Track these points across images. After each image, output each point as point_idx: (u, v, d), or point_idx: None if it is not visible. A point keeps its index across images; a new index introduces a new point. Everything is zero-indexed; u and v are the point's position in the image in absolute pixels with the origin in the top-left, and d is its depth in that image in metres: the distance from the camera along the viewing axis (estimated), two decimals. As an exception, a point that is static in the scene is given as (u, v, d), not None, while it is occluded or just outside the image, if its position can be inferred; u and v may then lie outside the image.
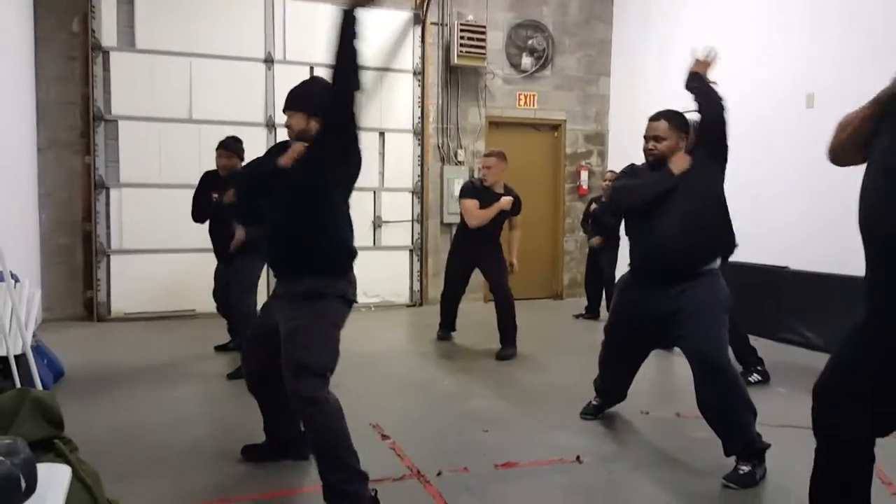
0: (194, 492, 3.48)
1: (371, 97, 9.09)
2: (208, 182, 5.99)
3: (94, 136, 7.94)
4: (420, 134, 9.38)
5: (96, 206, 8.02)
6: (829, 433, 2.46)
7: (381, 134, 9.21)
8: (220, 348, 6.52)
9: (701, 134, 3.98)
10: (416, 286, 9.50)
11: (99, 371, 5.84)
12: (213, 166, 6.00)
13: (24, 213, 7.29)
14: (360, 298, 8.69)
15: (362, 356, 6.43)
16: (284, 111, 3.43)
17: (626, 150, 8.91)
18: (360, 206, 8.87)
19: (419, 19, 9.27)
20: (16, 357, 4.25)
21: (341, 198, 3.40)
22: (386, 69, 9.16)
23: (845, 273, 6.08)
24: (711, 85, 3.99)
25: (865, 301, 2.40)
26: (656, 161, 3.97)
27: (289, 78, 8.42)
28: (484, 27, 9.32)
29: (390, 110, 9.25)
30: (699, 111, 3.97)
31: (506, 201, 6.44)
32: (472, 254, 6.68)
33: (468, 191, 6.62)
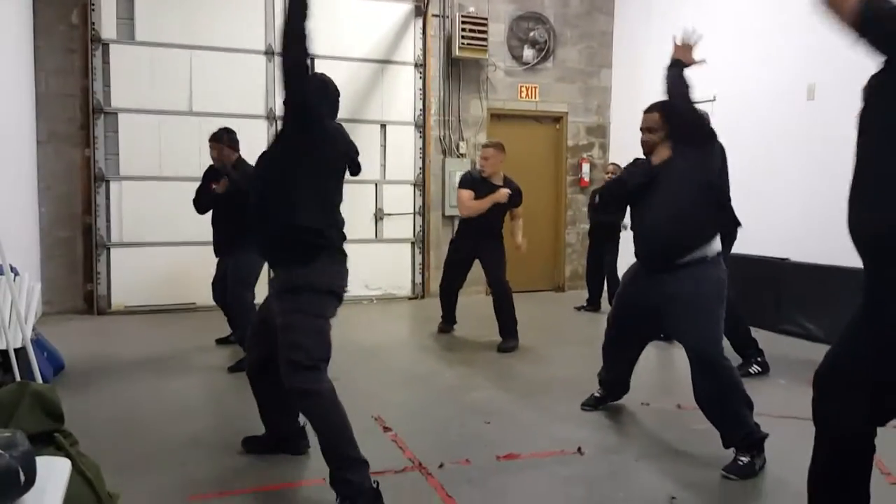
0: (195, 484, 3.48)
1: (372, 89, 9.10)
2: (209, 175, 6.06)
3: (93, 129, 7.92)
4: (421, 126, 9.36)
5: (96, 199, 8.01)
6: (829, 423, 2.45)
7: (383, 126, 9.19)
8: (221, 341, 6.52)
9: (670, 123, 4.00)
10: (418, 279, 9.49)
11: (99, 364, 5.84)
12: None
13: (24, 206, 7.27)
14: (362, 291, 8.86)
15: (364, 348, 6.43)
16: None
17: (627, 142, 8.88)
18: (361, 199, 8.87)
19: (420, 11, 9.24)
20: (16, 350, 4.24)
21: (306, 176, 3.31)
22: (386, 61, 9.15)
23: (846, 265, 6.05)
24: (684, 72, 4.02)
25: (863, 294, 2.40)
26: (651, 152, 4.04)
27: (289, 70, 8.45)
28: (485, 19, 9.29)
29: (392, 102, 9.22)
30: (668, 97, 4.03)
31: (500, 194, 6.40)
32: (472, 246, 6.67)
33: (466, 181, 6.64)
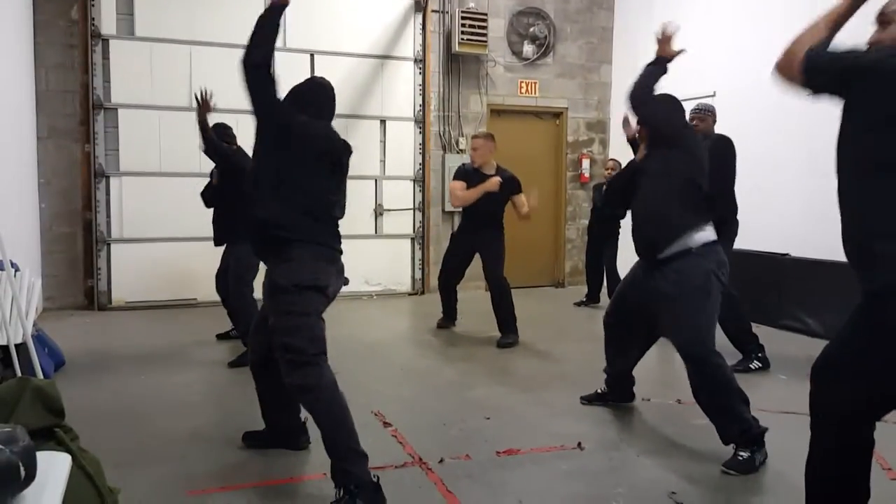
0: (195, 478, 3.49)
1: (371, 85, 9.09)
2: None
3: (93, 125, 7.92)
4: (421, 122, 9.35)
5: (96, 195, 8.00)
6: (826, 416, 2.45)
7: (382, 122, 9.19)
8: (222, 336, 6.53)
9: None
10: (418, 275, 9.49)
11: (100, 359, 5.85)
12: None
13: (25, 202, 7.27)
14: (362, 287, 8.86)
15: (364, 344, 6.44)
16: None
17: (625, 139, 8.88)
18: (361, 195, 8.87)
19: (420, 6, 9.23)
20: (16, 346, 4.25)
21: (272, 173, 3.38)
22: (386, 57, 9.15)
23: (846, 260, 6.05)
24: (660, 70, 4.07)
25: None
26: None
27: (289, 65, 8.44)
28: (485, 14, 9.27)
29: (391, 98, 9.22)
30: None
31: (490, 183, 6.36)
32: (472, 240, 6.67)
33: (459, 173, 6.68)
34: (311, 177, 3.39)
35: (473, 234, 6.65)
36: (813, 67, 2.37)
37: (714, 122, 5.73)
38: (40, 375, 4.24)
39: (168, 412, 4.52)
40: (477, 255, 6.71)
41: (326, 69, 8.67)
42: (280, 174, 3.37)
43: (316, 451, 3.65)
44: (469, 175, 6.53)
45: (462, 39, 9.13)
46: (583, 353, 6.08)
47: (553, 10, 9.93)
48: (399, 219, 9.37)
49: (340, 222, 3.58)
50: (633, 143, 4.80)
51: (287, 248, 3.33)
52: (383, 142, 9.22)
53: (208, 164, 6.05)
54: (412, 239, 9.48)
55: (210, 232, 6.03)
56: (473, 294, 6.96)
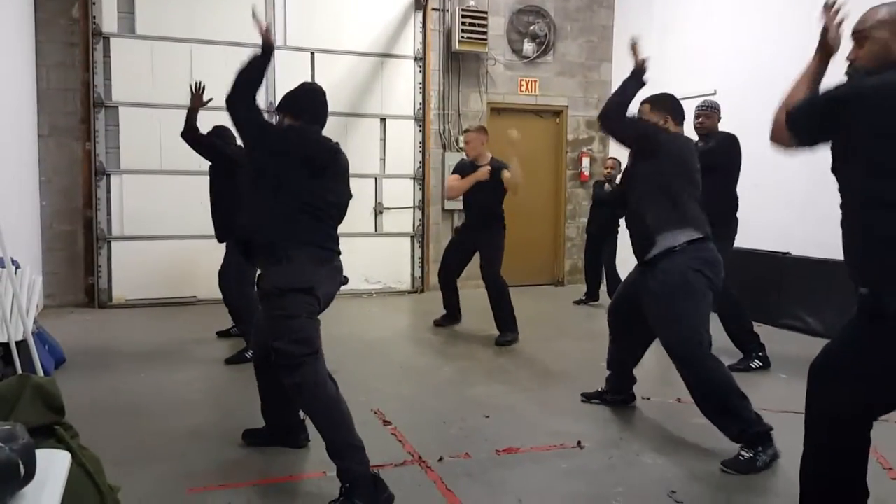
0: (195, 476, 3.49)
1: (371, 83, 9.09)
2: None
3: (94, 123, 7.92)
4: (421, 120, 9.35)
5: (97, 193, 8.01)
6: (823, 414, 2.44)
7: (382, 120, 9.19)
8: (222, 334, 6.53)
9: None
10: (418, 273, 9.49)
11: (100, 357, 5.85)
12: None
13: (25, 199, 7.27)
14: (361, 285, 8.86)
15: (364, 342, 6.45)
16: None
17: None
18: (361, 193, 8.85)
19: (420, 5, 9.22)
20: (17, 343, 4.25)
21: (261, 185, 3.44)
22: (386, 55, 9.14)
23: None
24: (626, 86, 4.16)
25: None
26: None
27: (289, 64, 8.45)
28: (485, 13, 9.27)
29: (391, 96, 9.22)
30: None
31: (481, 172, 6.36)
32: (472, 237, 6.68)
33: (457, 167, 6.74)
34: (299, 179, 3.39)
35: (473, 231, 6.66)
36: (795, 121, 2.48)
37: (719, 119, 5.74)
38: (41, 373, 4.24)
39: (168, 410, 4.52)
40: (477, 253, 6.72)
41: (327, 67, 8.71)
42: (263, 180, 3.42)
43: (315, 449, 3.66)
44: (465, 168, 6.59)
45: (462, 38, 9.12)
46: (582, 352, 6.09)
47: (553, 9, 9.92)
48: (399, 217, 9.37)
49: None
50: None
51: (274, 252, 3.36)
52: (383, 140, 9.22)
53: (208, 162, 6.06)
54: (412, 237, 9.48)
55: (210, 230, 6.03)
56: (473, 293, 6.96)
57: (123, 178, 8.13)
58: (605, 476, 3.60)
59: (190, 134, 5.79)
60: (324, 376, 3.27)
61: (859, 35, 2.50)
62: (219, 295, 6.04)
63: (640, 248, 4.04)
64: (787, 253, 7.20)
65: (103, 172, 8.03)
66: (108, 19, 7.96)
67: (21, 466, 1.71)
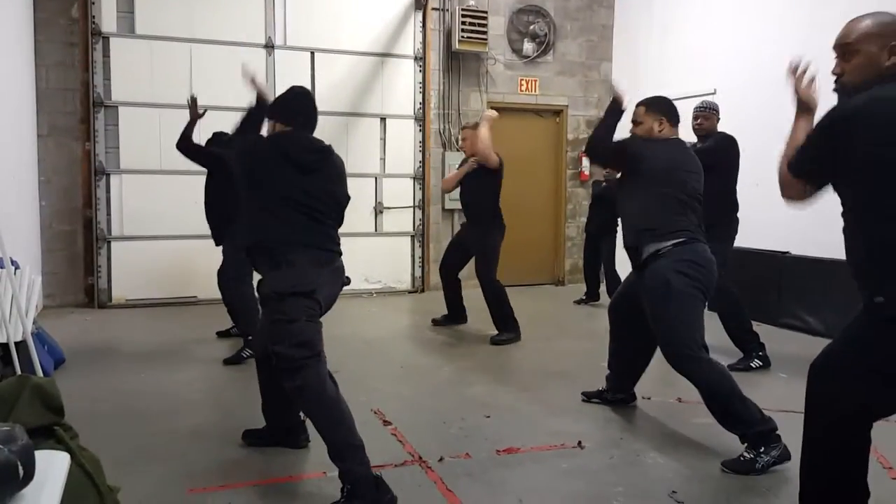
0: (195, 476, 3.49)
1: (371, 83, 9.09)
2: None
3: (94, 123, 7.91)
4: (421, 120, 9.34)
5: (96, 193, 8.00)
6: (823, 414, 2.44)
7: (383, 120, 9.18)
8: (222, 334, 6.52)
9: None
10: (418, 272, 9.49)
11: (100, 357, 5.85)
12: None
13: (25, 199, 7.27)
14: (362, 284, 8.86)
15: (364, 342, 6.44)
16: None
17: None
18: (361, 193, 8.85)
19: (420, 4, 9.21)
20: (16, 344, 4.25)
21: (251, 195, 3.47)
22: (386, 55, 9.14)
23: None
24: (608, 118, 4.32)
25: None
26: None
27: (289, 63, 8.45)
28: (485, 12, 9.26)
29: (391, 96, 9.21)
30: None
31: (469, 165, 6.45)
32: (466, 236, 6.72)
33: (459, 165, 6.81)
34: (293, 182, 3.39)
35: (469, 229, 6.68)
36: (798, 164, 2.48)
37: (718, 120, 5.72)
38: (40, 373, 4.23)
39: (168, 410, 4.52)
40: None
41: (326, 67, 8.71)
42: (260, 191, 3.42)
43: (315, 449, 3.65)
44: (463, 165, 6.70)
45: (462, 37, 9.11)
46: (583, 351, 6.08)
47: (553, 8, 9.91)
48: (399, 216, 9.36)
49: None
50: None
51: (274, 257, 3.36)
52: (383, 139, 9.22)
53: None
54: (412, 237, 9.47)
55: (208, 230, 6.03)
56: (472, 292, 6.95)
57: (123, 177, 8.12)
58: (605, 476, 3.60)
59: (184, 143, 5.91)
60: (324, 378, 3.26)
61: (845, 48, 2.44)
62: (219, 295, 6.04)
63: (630, 254, 4.13)
64: (787, 252, 7.19)
65: (103, 172, 8.02)
66: (108, 19, 7.95)
67: (20, 468, 1.70)
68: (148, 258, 8.16)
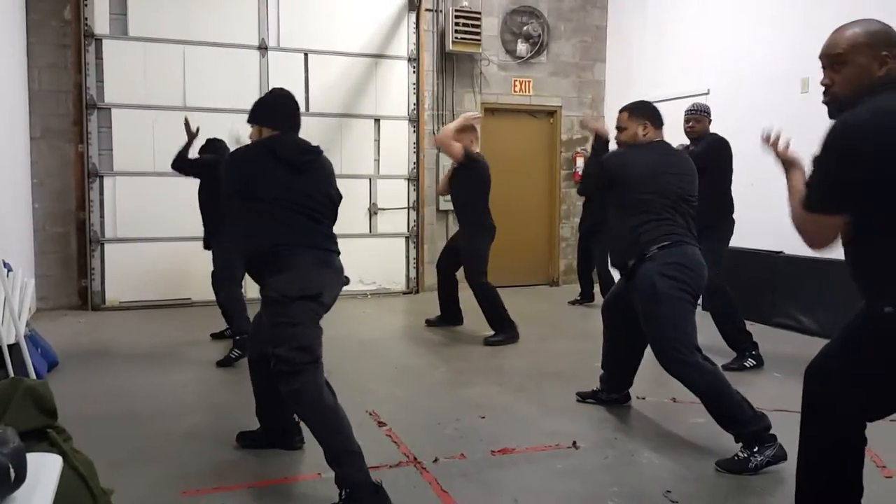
0: (189, 478, 3.48)
1: (365, 84, 9.08)
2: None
3: (87, 125, 7.90)
4: (415, 121, 9.34)
5: (90, 195, 7.98)
6: (819, 414, 2.44)
7: (377, 121, 9.18)
8: (216, 336, 6.51)
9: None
10: (412, 273, 9.48)
11: (93, 359, 5.83)
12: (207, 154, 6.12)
13: (18, 202, 7.24)
14: (356, 286, 8.84)
15: (359, 343, 6.44)
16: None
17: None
18: (355, 194, 8.85)
19: (414, 5, 9.21)
20: (9, 346, 4.24)
21: (249, 202, 3.44)
22: (379, 56, 9.14)
23: (840, 258, 6.05)
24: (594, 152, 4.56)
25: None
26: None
27: (283, 65, 8.45)
28: (479, 13, 9.27)
29: (385, 97, 9.20)
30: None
31: (453, 162, 6.53)
32: (457, 238, 6.74)
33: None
34: (287, 183, 3.39)
35: (459, 230, 6.70)
36: (818, 197, 2.33)
37: (710, 122, 5.73)
38: (33, 376, 4.23)
39: (162, 412, 4.50)
40: None
41: (320, 68, 8.71)
42: (255, 202, 3.41)
43: (309, 451, 3.65)
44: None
45: (456, 38, 9.12)
46: (577, 352, 6.08)
47: (547, 9, 9.92)
48: (393, 218, 9.35)
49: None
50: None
51: (278, 259, 3.34)
52: (377, 141, 9.21)
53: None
54: (406, 238, 9.46)
55: (202, 232, 6.04)
56: (468, 293, 6.94)
57: (116, 179, 8.10)
58: (600, 476, 3.60)
59: (179, 163, 5.98)
60: (322, 384, 3.24)
61: (834, 59, 2.37)
62: (213, 297, 6.03)
63: (619, 258, 4.18)
64: (781, 252, 7.20)
65: (96, 174, 8.00)
66: (101, 21, 7.93)
67: (11, 470, 1.70)
68: (141, 260, 8.14)
